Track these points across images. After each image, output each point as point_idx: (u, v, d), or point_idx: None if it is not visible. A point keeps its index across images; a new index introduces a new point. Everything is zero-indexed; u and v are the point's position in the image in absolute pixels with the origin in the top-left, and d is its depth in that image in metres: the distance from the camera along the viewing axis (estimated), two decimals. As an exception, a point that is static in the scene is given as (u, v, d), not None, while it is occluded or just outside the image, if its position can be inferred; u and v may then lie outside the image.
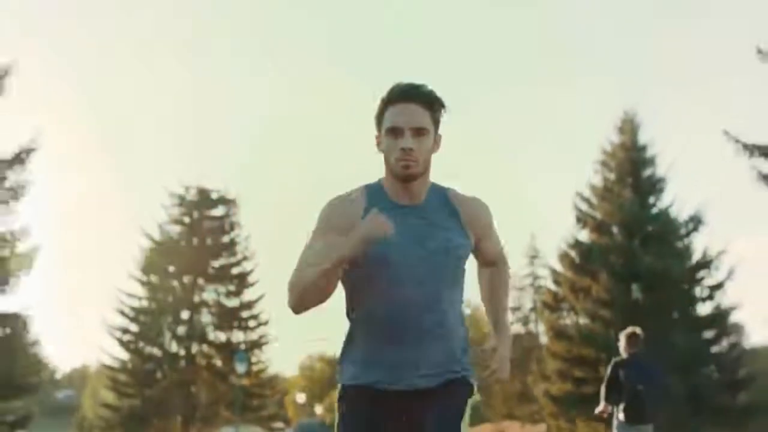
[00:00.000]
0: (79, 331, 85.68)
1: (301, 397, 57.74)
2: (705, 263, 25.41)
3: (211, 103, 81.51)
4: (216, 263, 31.14)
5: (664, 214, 26.09)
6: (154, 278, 30.61)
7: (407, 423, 2.25)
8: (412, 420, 2.25)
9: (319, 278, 2.14)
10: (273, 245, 71.64)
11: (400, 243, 2.21)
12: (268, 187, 78.82)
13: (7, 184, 20.09)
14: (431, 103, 2.25)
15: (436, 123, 2.28)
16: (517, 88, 77.17)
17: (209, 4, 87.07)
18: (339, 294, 2.30)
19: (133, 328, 30.11)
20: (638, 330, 7.10)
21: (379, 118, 2.28)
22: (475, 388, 2.33)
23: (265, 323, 30.89)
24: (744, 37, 48.33)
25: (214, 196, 31.65)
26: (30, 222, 21.16)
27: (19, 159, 20.12)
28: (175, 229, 31.42)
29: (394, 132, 2.23)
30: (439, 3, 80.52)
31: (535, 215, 62.32)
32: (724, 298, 25.22)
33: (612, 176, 26.73)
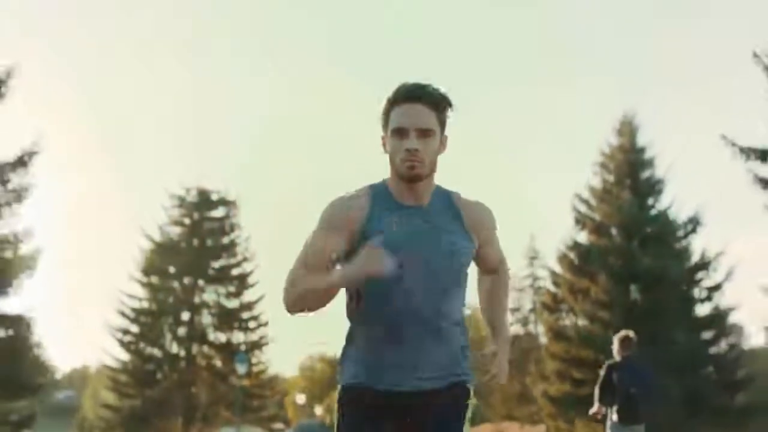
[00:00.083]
0: (79, 332, 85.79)
1: (301, 398, 57.79)
2: (703, 264, 25.51)
3: (211, 103, 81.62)
4: (216, 264, 31.24)
5: (662, 215, 26.19)
6: (154, 279, 30.72)
7: (408, 425, 2.24)
8: (413, 422, 2.24)
9: (313, 293, 2.16)
10: (273, 246, 71.63)
11: (403, 244, 2.19)
12: (268, 187, 78.90)
13: (10, 186, 20.22)
14: (437, 103, 2.23)
15: (442, 124, 2.25)
16: (517, 88, 77.27)
17: (209, 4, 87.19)
18: (339, 295, 2.30)
19: (134, 329, 30.22)
20: (631, 333, 7.25)
21: (385, 118, 2.26)
22: (472, 393, 2.32)
23: (265, 324, 31.01)
24: (744, 37, 48.42)
25: (214, 197, 31.76)
26: (33, 224, 21.23)
27: (21, 162, 20.24)
28: (176, 231, 31.55)
29: (400, 133, 2.21)
30: (439, 3, 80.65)
31: (534, 216, 62.34)
32: (722, 299, 25.36)
33: (611, 178, 26.83)
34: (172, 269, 30.84)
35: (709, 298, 25.52)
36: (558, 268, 27.40)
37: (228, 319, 30.77)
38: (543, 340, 30.62)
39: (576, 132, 65.13)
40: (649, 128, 44.48)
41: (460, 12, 79.48)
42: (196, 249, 30.88)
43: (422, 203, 2.27)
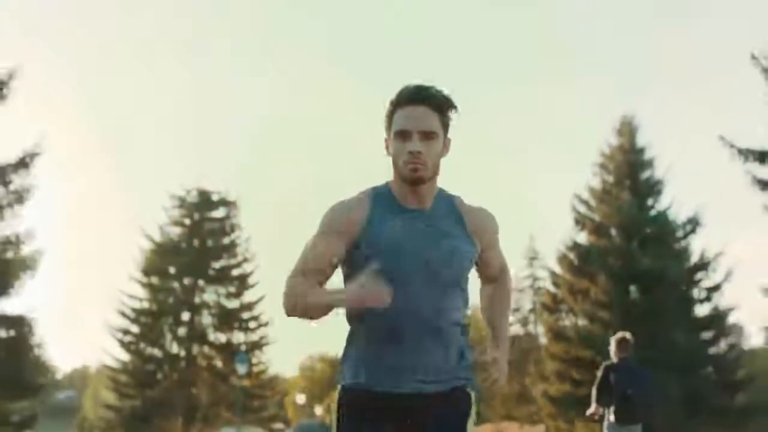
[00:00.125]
0: (79, 332, 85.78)
1: (301, 398, 57.85)
2: (703, 265, 25.57)
3: (211, 103, 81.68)
4: (216, 265, 31.29)
5: (662, 216, 26.24)
6: (154, 280, 30.78)
7: (409, 427, 2.23)
8: (413, 424, 2.23)
9: (309, 308, 2.18)
10: (273, 247, 71.71)
11: (406, 247, 2.20)
12: (268, 188, 78.92)
13: (11, 187, 20.29)
14: (441, 106, 2.21)
15: (446, 127, 2.24)
16: (517, 88, 77.34)
17: (209, 4, 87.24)
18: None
19: (134, 329, 30.28)
20: (628, 335, 7.33)
21: (388, 121, 2.24)
22: (474, 398, 2.31)
23: (266, 324, 31.07)
24: (744, 37, 48.47)
25: (214, 197, 31.82)
26: (34, 225, 21.30)
27: (23, 163, 20.32)
28: (176, 231, 31.61)
29: (403, 135, 2.19)
30: (439, 3, 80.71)
31: (534, 217, 62.38)
32: (721, 300, 25.42)
33: (610, 178, 26.88)
34: (172, 269, 30.90)
35: (708, 299, 25.58)
36: (558, 269, 27.47)
37: (228, 319, 30.82)
38: (543, 340, 30.69)
39: (576, 132, 65.25)
40: (649, 129, 44.62)
41: (460, 12, 79.60)
42: (197, 249, 30.94)
43: (425, 206, 2.27)
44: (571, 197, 26.94)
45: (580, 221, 26.73)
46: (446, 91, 2.24)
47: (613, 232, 26.27)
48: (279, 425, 40.11)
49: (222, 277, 31.24)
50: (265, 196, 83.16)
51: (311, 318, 2.21)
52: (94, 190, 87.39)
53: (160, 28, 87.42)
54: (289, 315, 2.24)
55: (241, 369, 25.55)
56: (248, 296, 31.37)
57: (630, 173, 26.51)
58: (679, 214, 26.23)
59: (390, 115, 2.23)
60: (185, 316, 30.78)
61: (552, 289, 28.28)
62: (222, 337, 30.91)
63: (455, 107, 2.24)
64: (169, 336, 30.54)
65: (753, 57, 19.48)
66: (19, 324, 20.56)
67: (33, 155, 20.50)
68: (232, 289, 31.31)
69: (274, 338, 31.40)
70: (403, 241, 2.20)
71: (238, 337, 30.98)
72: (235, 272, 31.49)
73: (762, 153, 19.46)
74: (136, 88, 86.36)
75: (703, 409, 23.28)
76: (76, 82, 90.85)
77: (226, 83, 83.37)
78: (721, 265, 25.27)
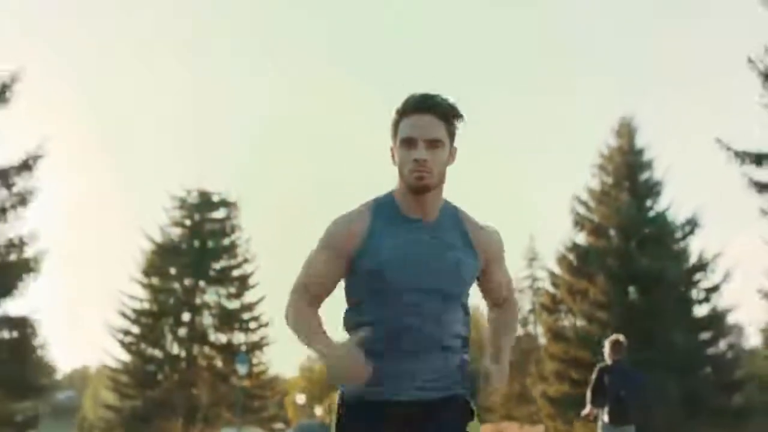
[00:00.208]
0: (79, 332, 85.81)
1: (301, 398, 57.88)
2: (701, 266, 25.67)
3: (211, 103, 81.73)
4: (217, 265, 31.38)
5: (660, 217, 26.34)
6: (155, 280, 30.87)
7: None
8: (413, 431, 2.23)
9: (301, 340, 2.26)
10: (274, 247, 71.81)
11: (407, 259, 2.20)
12: (268, 188, 78.87)
13: (14, 190, 20.40)
14: (446, 114, 2.20)
15: (452, 135, 2.23)
16: (517, 90, 77.43)
17: (209, 4, 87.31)
18: (340, 298, 2.34)
19: (135, 329, 30.37)
20: (622, 338, 7.47)
21: (394, 129, 2.23)
22: (474, 408, 2.31)
23: (266, 325, 31.16)
24: (744, 38, 48.51)
25: (215, 198, 31.91)
26: (36, 226, 21.41)
27: (26, 165, 20.43)
28: (176, 232, 31.69)
29: (408, 143, 2.18)
30: (439, 3, 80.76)
31: (533, 217, 62.49)
32: (720, 301, 25.52)
33: (609, 180, 26.98)
34: (172, 270, 30.99)
35: (707, 299, 25.68)
36: (557, 269, 27.57)
37: (229, 320, 30.91)
38: (542, 340, 30.79)
39: (575, 133, 65.33)
40: (648, 130, 44.77)
41: (460, 12, 79.65)
42: (197, 250, 31.02)
43: (429, 217, 2.25)
44: (570, 198, 27.08)
45: (580, 222, 26.83)
46: (452, 100, 2.23)
47: (612, 233, 26.37)
48: (279, 425, 40.20)
49: (222, 277, 31.33)
50: (265, 196, 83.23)
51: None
52: (94, 190, 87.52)
53: (160, 28, 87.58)
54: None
55: (242, 369, 25.64)
56: (248, 297, 31.49)
57: (629, 174, 26.61)
58: (677, 215, 26.38)
59: (396, 124, 2.23)
60: (186, 316, 30.87)
61: (551, 289, 28.38)
62: (222, 338, 31.02)
63: (461, 116, 2.23)
64: (169, 336, 30.63)
65: (750, 60, 19.54)
66: (22, 325, 20.67)
67: (36, 157, 20.63)
68: (232, 290, 31.40)
69: (274, 339, 31.51)
70: (405, 253, 2.20)
71: (239, 337, 31.08)
72: (235, 273, 31.58)
73: (759, 155, 19.53)
74: (136, 88, 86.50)
75: (701, 410, 23.37)
76: (76, 83, 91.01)
77: (226, 83, 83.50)
78: (719, 266, 25.41)
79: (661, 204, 26.56)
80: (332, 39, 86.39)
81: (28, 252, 20.80)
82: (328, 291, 2.30)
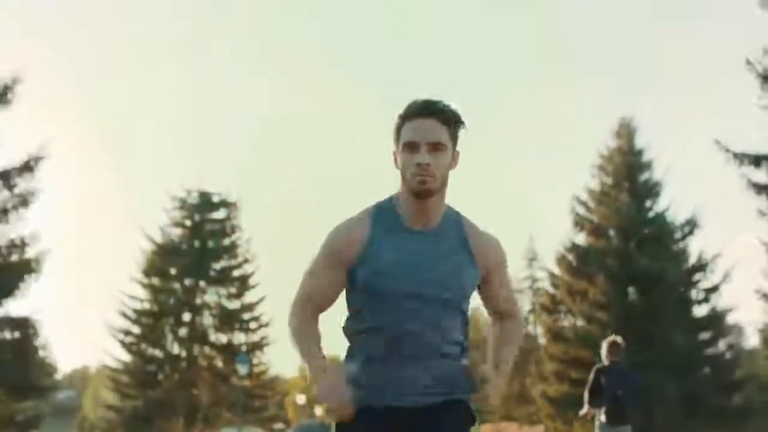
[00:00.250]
0: (79, 333, 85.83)
1: (301, 398, 57.92)
2: (701, 266, 25.73)
3: (211, 103, 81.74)
4: (217, 266, 31.43)
5: (660, 217, 26.40)
6: (155, 281, 30.92)
7: None
8: None
9: (295, 348, 2.33)
10: (274, 248, 71.84)
11: (406, 267, 2.21)
12: (268, 189, 78.91)
13: (16, 191, 20.46)
14: (449, 118, 2.21)
15: (454, 139, 2.23)
16: (517, 88, 77.39)
17: (209, 4, 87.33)
18: (340, 303, 2.39)
19: (135, 330, 30.42)
20: (619, 339, 7.58)
21: (397, 134, 2.23)
22: (474, 413, 2.32)
23: (266, 325, 31.21)
24: (744, 38, 48.56)
25: (215, 199, 31.96)
26: (38, 227, 21.47)
27: (28, 167, 20.49)
28: (177, 232, 31.74)
29: (411, 147, 2.19)
30: (439, 3, 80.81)
31: (533, 218, 62.47)
32: (719, 301, 25.58)
33: (609, 180, 27.04)
34: (173, 271, 31.04)
35: (706, 300, 25.74)
36: (556, 270, 27.63)
37: (229, 320, 30.97)
38: (542, 341, 30.83)
39: (575, 133, 65.32)
40: (648, 130, 44.75)
41: (460, 12, 79.70)
42: (197, 250, 31.07)
43: (430, 223, 2.26)
44: (570, 199, 27.14)
45: (579, 222, 26.89)
46: (454, 106, 2.24)
47: (612, 233, 26.43)
48: (279, 425, 40.23)
49: (223, 278, 31.39)
50: (265, 197, 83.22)
51: None
52: (94, 191, 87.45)
53: (160, 28, 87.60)
54: None
55: (242, 369, 25.69)
56: (249, 297, 31.54)
57: (628, 175, 26.67)
58: (677, 216, 26.45)
59: (398, 129, 2.23)
60: (186, 316, 30.92)
61: (551, 289, 28.44)
62: (223, 338, 31.07)
63: (462, 123, 2.24)
64: (170, 337, 30.69)
65: (748, 62, 19.59)
66: (24, 325, 20.72)
67: (38, 159, 20.69)
68: (232, 290, 31.46)
69: (274, 339, 31.56)
70: (404, 261, 2.21)
71: (239, 337, 31.13)
72: (235, 273, 31.64)
73: (757, 157, 19.60)
74: (136, 88, 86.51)
75: (701, 410, 23.43)
76: (76, 83, 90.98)
77: (226, 83, 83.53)
78: (718, 266, 25.47)
79: (660, 204, 26.66)
80: (332, 39, 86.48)
81: (30, 253, 20.86)
82: (331, 300, 2.32)
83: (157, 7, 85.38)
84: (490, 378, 2.27)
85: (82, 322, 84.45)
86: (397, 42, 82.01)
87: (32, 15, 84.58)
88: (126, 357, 30.41)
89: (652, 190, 26.65)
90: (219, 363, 30.75)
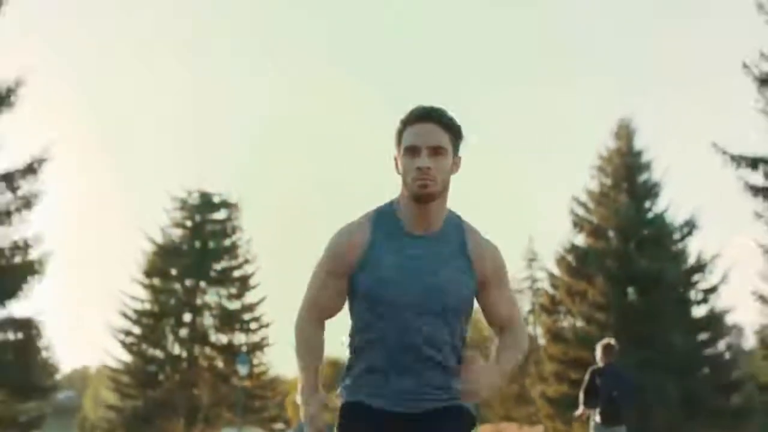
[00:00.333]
0: (79, 333, 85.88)
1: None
2: (699, 267, 25.79)
3: (211, 103, 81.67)
4: (218, 266, 31.48)
5: (659, 218, 26.46)
6: (156, 281, 30.97)
7: None
8: None
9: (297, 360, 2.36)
10: (275, 248, 71.85)
11: (405, 274, 2.22)
12: (268, 189, 78.86)
13: (19, 193, 20.55)
14: (450, 124, 2.23)
15: (455, 144, 2.25)
16: (517, 89, 77.26)
17: (209, 4, 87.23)
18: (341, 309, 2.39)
19: (136, 330, 30.48)
20: (613, 341, 7.70)
21: (398, 139, 2.25)
22: (474, 415, 2.33)
23: (267, 325, 31.25)
24: (744, 38, 48.60)
25: (215, 199, 32.01)
26: (41, 229, 21.57)
27: (31, 169, 20.58)
28: (177, 233, 31.77)
29: (412, 151, 2.20)
30: (439, 3, 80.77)
31: (533, 218, 62.43)
32: (718, 302, 25.65)
33: (608, 181, 27.10)
34: (173, 271, 31.09)
35: (705, 300, 25.80)
36: (556, 271, 27.69)
37: (229, 320, 31.02)
38: (541, 341, 30.88)
39: (575, 134, 65.30)
40: (647, 131, 44.76)
41: (460, 12, 79.66)
42: (198, 251, 31.13)
43: (431, 228, 2.26)
44: (569, 200, 27.20)
45: (578, 223, 26.95)
46: (455, 116, 2.26)
47: (611, 234, 26.50)
48: (280, 426, 40.27)
49: (223, 278, 31.45)
50: (265, 197, 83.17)
51: None
52: (95, 191, 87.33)
53: (160, 28, 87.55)
54: None
55: (243, 370, 25.75)
56: (249, 297, 31.58)
57: (627, 176, 26.73)
58: (676, 217, 26.49)
59: (399, 133, 2.25)
60: (187, 317, 30.98)
61: (550, 290, 28.50)
62: (223, 338, 31.12)
63: (462, 135, 2.27)
64: (170, 337, 30.74)
65: (744, 66, 19.65)
66: (27, 327, 20.80)
67: (41, 161, 20.78)
68: (233, 291, 31.51)
69: (275, 339, 31.57)
70: (404, 270, 2.22)
71: (240, 338, 31.18)
72: (236, 274, 31.69)
73: (754, 159, 19.69)
74: (136, 88, 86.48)
75: (700, 410, 23.49)
76: (76, 83, 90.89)
77: (226, 83, 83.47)
78: (717, 267, 25.54)
79: (659, 205, 26.71)
80: (332, 39, 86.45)
81: (33, 254, 20.95)
82: (338, 307, 2.36)
83: (157, 7, 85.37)
84: (477, 361, 2.21)
85: (83, 323, 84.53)
86: (397, 42, 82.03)
87: (32, 15, 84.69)
88: (126, 357, 30.48)
89: (651, 191, 26.71)
90: (219, 363, 30.80)
